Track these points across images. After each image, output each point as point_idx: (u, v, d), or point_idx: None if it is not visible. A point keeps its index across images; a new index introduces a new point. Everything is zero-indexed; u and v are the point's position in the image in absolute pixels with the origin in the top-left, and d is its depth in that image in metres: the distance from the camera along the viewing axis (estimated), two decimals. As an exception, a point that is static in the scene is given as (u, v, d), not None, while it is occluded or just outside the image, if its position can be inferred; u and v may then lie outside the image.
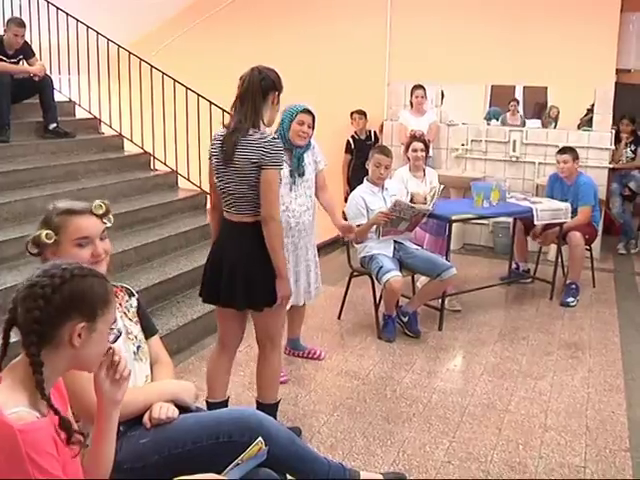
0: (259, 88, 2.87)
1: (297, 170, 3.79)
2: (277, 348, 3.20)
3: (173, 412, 2.10)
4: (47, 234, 2.01)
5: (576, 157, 5.74)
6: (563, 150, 5.83)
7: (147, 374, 2.21)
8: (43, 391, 1.55)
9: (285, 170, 3.63)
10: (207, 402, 3.23)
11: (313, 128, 3.80)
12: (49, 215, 2.08)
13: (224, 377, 3.25)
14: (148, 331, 2.31)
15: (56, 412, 1.57)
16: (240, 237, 2.93)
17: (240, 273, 2.90)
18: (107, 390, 1.74)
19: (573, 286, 5.61)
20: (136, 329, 2.23)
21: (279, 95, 2.99)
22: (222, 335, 3.24)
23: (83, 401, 1.86)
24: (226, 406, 3.17)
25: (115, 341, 1.76)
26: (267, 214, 2.83)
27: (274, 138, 2.86)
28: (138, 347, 2.19)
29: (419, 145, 5.47)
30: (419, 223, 4.79)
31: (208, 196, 6.27)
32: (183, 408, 2.17)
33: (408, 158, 5.59)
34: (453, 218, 4.88)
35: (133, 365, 2.12)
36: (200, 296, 3.15)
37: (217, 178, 2.96)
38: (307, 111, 3.75)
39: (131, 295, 2.30)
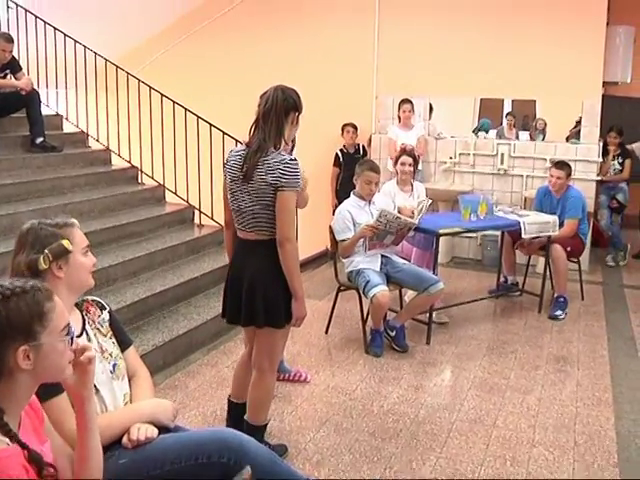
0: (282, 108, 2.88)
1: None
2: (274, 369, 3.19)
3: (152, 432, 2.07)
4: (64, 246, 2.02)
5: (569, 174, 5.76)
6: (560, 165, 5.80)
7: (126, 392, 2.18)
8: (5, 427, 1.50)
9: None
10: (229, 401, 3.38)
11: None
12: (42, 234, 2.05)
13: (250, 380, 3.24)
14: (123, 344, 2.28)
15: (23, 446, 1.52)
16: (257, 255, 2.93)
17: (259, 291, 2.91)
18: (75, 384, 1.71)
19: (561, 299, 5.61)
20: (111, 345, 2.20)
21: (299, 116, 3.00)
22: (248, 344, 3.28)
23: (63, 433, 1.83)
24: (244, 409, 3.21)
25: (72, 342, 1.71)
26: (283, 236, 2.83)
27: (292, 159, 2.85)
28: (114, 365, 2.15)
29: (408, 159, 5.47)
30: (405, 236, 4.77)
31: (196, 211, 6.31)
32: (163, 427, 2.13)
33: (397, 172, 5.58)
34: (440, 232, 4.87)
35: (111, 385, 2.09)
36: (223, 317, 3.16)
37: (232, 196, 2.96)
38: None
39: (102, 308, 2.27)
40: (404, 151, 5.71)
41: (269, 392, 3.21)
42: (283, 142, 2.92)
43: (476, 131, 7.90)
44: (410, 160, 5.47)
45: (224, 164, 3.03)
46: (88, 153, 6.42)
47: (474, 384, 4.22)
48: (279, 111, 2.88)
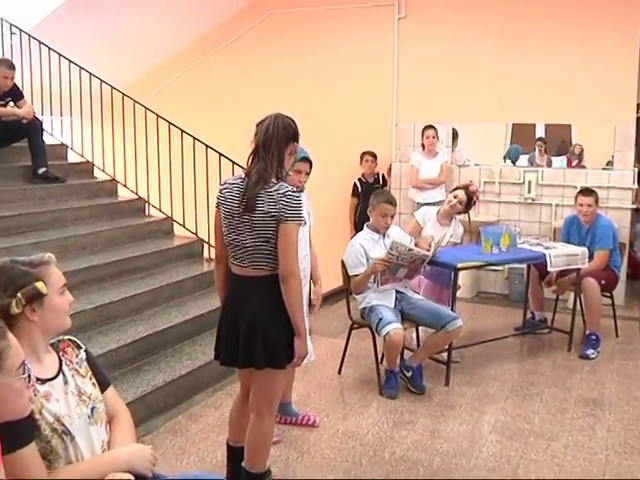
0: (283, 137, 2.90)
1: None
2: (273, 413, 3.16)
3: (128, 481, 2.03)
4: (38, 288, 2.00)
5: (597, 200, 5.73)
6: (587, 192, 5.76)
7: (104, 439, 2.15)
8: None
9: None
10: (228, 445, 3.35)
11: (308, 174, 3.78)
12: (15, 274, 2.03)
13: (247, 423, 3.21)
14: (103, 384, 2.26)
15: None
16: (256, 293, 2.93)
17: (259, 330, 2.89)
18: None
19: (593, 337, 5.51)
20: (90, 387, 2.18)
21: (296, 146, 3.02)
22: (244, 386, 3.26)
23: None
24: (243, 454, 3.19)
25: (30, 380, 1.68)
26: (286, 270, 2.82)
27: (294, 191, 2.86)
28: (92, 409, 2.13)
29: (462, 196, 5.26)
30: (418, 270, 4.73)
31: (205, 244, 6.32)
32: (140, 476, 2.10)
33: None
34: (459, 266, 4.82)
35: (88, 431, 2.07)
36: (216, 359, 3.15)
37: (227, 229, 2.95)
38: (305, 159, 3.73)
39: (79, 347, 2.26)
40: (465, 186, 5.44)
41: (268, 437, 3.17)
42: (284, 173, 2.93)
43: (507, 157, 7.87)
44: (465, 199, 5.26)
45: (218, 196, 3.02)
46: (93, 184, 6.48)
47: (495, 429, 4.14)
48: (280, 140, 2.89)
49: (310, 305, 4.01)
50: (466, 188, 5.37)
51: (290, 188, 2.85)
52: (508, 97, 7.15)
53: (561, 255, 5.35)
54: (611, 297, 5.90)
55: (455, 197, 5.32)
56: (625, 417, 4.32)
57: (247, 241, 2.88)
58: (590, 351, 5.42)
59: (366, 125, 7.75)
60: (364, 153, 7.62)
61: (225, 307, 3.09)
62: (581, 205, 5.71)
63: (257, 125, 2.96)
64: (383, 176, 7.71)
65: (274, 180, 2.85)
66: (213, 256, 6.17)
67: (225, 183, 3.03)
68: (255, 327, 2.90)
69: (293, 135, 2.96)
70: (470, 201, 5.33)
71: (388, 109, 7.71)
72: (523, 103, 7.12)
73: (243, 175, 2.95)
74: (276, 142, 2.88)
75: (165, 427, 4.10)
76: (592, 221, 5.71)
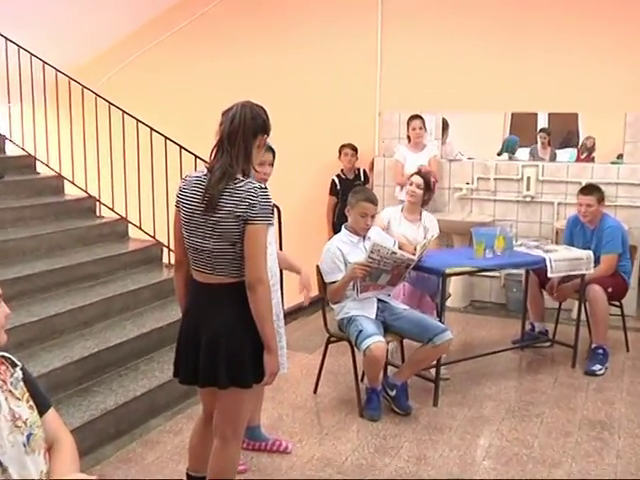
0: (251, 128, 2.89)
1: None
2: (239, 437, 3.16)
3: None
4: None
5: (602, 198, 5.72)
6: (588, 189, 5.78)
7: (43, 469, 2.12)
8: None
9: None
10: (188, 475, 3.34)
11: (272, 165, 3.78)
12: None
13: (210, 449, 3.20)
14: (41, 406, 2.23)
15: None
16: (219, 303, 2.92)
17: (222, 346, 2.89)
18: None
19: (600, 351, 5.55)
20: (26, 411, 2.15)
21: (266, 139, 3.01)
22: (206, 408, 3.25)
23: None
24: None
25: None
26: (254, 277, 2.82)
27: (263, 188, 2.85)
28: (29, 436, 2.10)
29: (419, 180, 5.38)
30: (402, 276, 4.74)
31: (164, 248, 6.30)
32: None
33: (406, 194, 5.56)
34: (447, 271, 4.84)
35: (23, 461, 2.04)
36: (175, 376, 3.14)
37: (188, 232, 2.94)
38: (269, 149, 3.72)
39: (14, 365, 2.23)
40: (419, 171, 5.62)
41: (233, 465, 3.17)
42: (252, 169, 2.92)
43: (503, 151, 7.90)
44: (421, 182, 5.40)
45: (177, 194, 3.01)
46: (36, 180, 6.45)
47: (489, 454, 4.15)
48: (247, 132, 2.88)
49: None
50: (418, 172, 5.53)
51: (258, 185, 2.85)
52: (506, 83, 7.19)
53: (563, 259, 5.37)
54: (620, 306, 5.93)
55: (411, 183, 5.41)
56: (637, 442, 4.33)
57: (210, 245, 2.87)
58: (597, 367, 5.45)
59: (345, 115, 7.76)
60: (343, 146, 7.62)
61: (185, 318, 3.09)
62: (580, 205, 5.74)
63: (222, 114, 2.95)
64: (364, 172, 7.73)
65: (240, 176, 2.85)
66: (173, 262, 6.22)
67: (185, 179, 3.02)
68: (219, 341, 2.89)
69: (262, 126, 2.95)
70: (429, 184, 5.43)
71: (370, 97, 7.73)
72: (523, 90, 7.15)
73: (205, 170, 2.94)
74: (243, 134, 2.87)
75: (117, 456, 4.07)
76: (597, 222, 5.75)
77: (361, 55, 7.72)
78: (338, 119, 7.77)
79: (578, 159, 7.55)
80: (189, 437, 3.44)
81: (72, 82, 6.41)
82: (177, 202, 3.00)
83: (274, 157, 3.79)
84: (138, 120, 6.29)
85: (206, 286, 2.96)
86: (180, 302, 3.22)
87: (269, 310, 2.90)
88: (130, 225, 6.48)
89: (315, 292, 4.97)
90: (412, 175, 5.53)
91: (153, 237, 6.35)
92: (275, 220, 3.89)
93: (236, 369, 2.91)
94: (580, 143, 7.61)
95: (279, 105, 7.41)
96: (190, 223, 2.93)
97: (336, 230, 7.05)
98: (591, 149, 7.54)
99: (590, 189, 5.78)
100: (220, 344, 2.89)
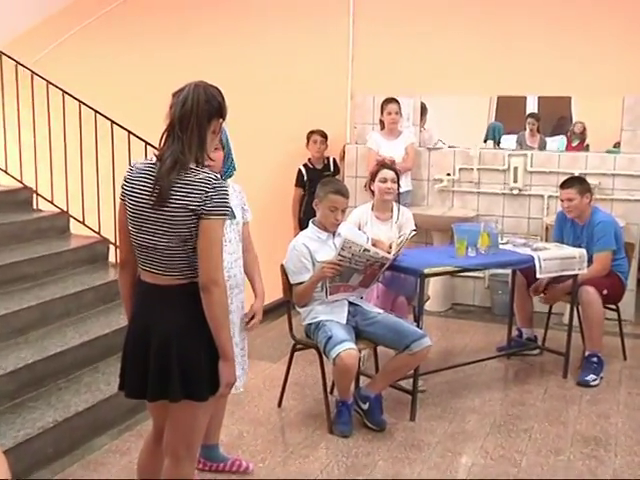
0: (205, 112, 2.86)
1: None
2: (193, 457, 3.14)
3: None
4: None
5: (585, 190, 5.73)
6: (568, 182, 5.81)
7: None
8: None
9: None
10: None
11: (224, 149, 3.74)
12: None
13: (161, 470, 3.17)
14: None
15: None
16: (171, 306, 2.90)
17: (174, 354, 2.87)
18: None
19: (594, 359, 5.58)
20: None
21: (222, 124, 2.98)
22: (157, 423, 3.22)
23: None
24: None
25: None
26: (208, 278, 2.79)
27: (218, 179, 2.83)
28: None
29: (389, 174, 5.46)
30: (376, 276, 4.74)
31: (111, 245, 6.27)
32: None
33: (372, 192, 5.57)
34: (426, 272, 4.84)
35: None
36: (121, 389, 3.11)
37: (135, 227, 2.91)
38: None
39: None
40: (383, 164, 5.68)
41: None
42: (206, 157, 2.90)
43: (486, 139, 7.93)
44: (393, 175, 5.46)
45: (123, 185, 2.97)
46: (-39, 170, 6.38)
47: (473, 473, 4.16)
48: (201, 116, 2.85)
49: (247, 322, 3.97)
50: (383, 165, 5.58)
51: (213, 175, 2.83)
52: (492, 63, 7.23)
53: (553, 258, 5.39)
54: (617, 310, 5.98)
55: (383, 181, 5.45)
56: (635, 460, 4.34)
57: (160, 242, 2.85)
58: (591, 377, 5.48)
59: (314, 98, 7.76)
60: (312, 132, 7.62)
61: (132, 324, 3.06)
62: (562, 200, 5.80)
63: (173, 95, 2.91)
64: (334, 161, 7.73)
65: (193, 166, 2.82)
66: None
67: (132, 168, 2.99)
68: (169, 348, 2.87)
69: (218, 110, 2.92)
70: (398, 175, 5.53)
71: (341, 78, 7.74)
72: (511, 71, 7.20)
73: (154, 159, 2.91)
74: (196, 118, 2.84)
75: (56, 480, 4.03)
76: (587, 217, 5.78)
77: (331, 33, 7.72)
78: (306, 103, 7.77)
79: (568, 148, 7.60)
80: (138, 457, 3.40)
81: (3, 57, 6.33)
82: (122, 194, 2.96)
83: (221, 140, 3.75)
84: (80, 102, 6.26)
85: (155, 287, 2.93)
86: (126, 306, 3.18)
87: (225, 314, 2.88)
88: (72, 219, 6.45)
89: (278, 296, 4.99)
90: (379, 170, 5.55)
91: (98, 233, 6.33)
92: (239, 216, 3.88)
93: (190, 379, 2.89)
94: (569, 130, 7.68)
95: (240, 88, 7.46)
96: (137, 218, 2.89)
97: (303, 226, 7.05)
98: (582, 136, 7.59)
99: (570, 181, 5.81)
100: (171, 352, 2.86)
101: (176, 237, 2.81)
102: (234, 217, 3.79)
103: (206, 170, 2.84)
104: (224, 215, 2.81)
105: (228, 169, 3.81)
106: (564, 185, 5.79)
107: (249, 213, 4.01)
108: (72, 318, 5.34)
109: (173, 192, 2.78)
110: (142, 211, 2.86)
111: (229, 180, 3.85)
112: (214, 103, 2.90)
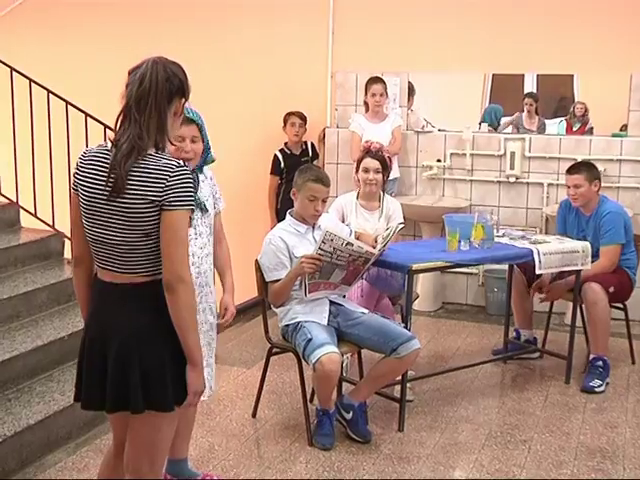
0: (165, 91, 2.83)
1: (198, 200, 3.72)
2: (157, 472, 3.12)
3: None
4: None
5: (594, 177, 5.75)
6: (575, 167, 5.83)
7: None
8: None
9: None
10: None
11: (203, 141, 3.73)
12: None
13: None
14: None
15: None
16: (131, 306, 2.89)
17: (135, 359, 2.85)
18: None
19: (599, 363, 5.60)
20: None
21: (184, 104, 2.96)
22: (118, 436, 3.21)
23: None
24: None
25: None
26: (173, 275, 2.78)
27: (181, 165, 2.82)
28: None
29: (374, 164, 5.47)
30: (360, 273, 4.74)
31: (66, 240, 6.23)
32: None
33: (358, 181, 5.57)
34: (414, 267, 4.84)
35: None
36: (76, 400, 3.10)
37: (88, 221, 2.89)
38: (186, 120, 3.67)
39: None
40: (368, 152, 5.67)
41: None
42: (167, 141, 2.89)
43: (481, 123, 7.95)
44: (377, 165, 5.46)
45: (74, 173, 2.95)
46: None
47: (466, 489, 4.18)
48: (160, 96, 2.82)
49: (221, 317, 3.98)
50: (368, 152, 5.57)
51: (175, 161, 2.81)
52: (486, 37, 7.24)
53: (554, 252, 5.40)
54: (624, 309, 6.01)
55: (367, 171, 5.48)
56: (645, 472, 4.41)
57: (117, 236, 2.83)
58: (596, 383, 5.50)
59: (291, 77, 7.77)
60: (290, 114, 7.61)
61: (88, 327, 3.05)
62: (568, 187, 5.81)
63: (129, 73, 2.89)
64: (313, 146, 7.75)
65: (152, 151, 2.81)
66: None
67: (84, 155, 2.96)
68: (130, 353, 2.85)
69: (179, 89, 2.89)
70: (385, 163, 5.52)
71: (321, 54, 7.74)
72: (507, 46, 7.21)
73: (109, 144, 2.88)
74: (155, 98, 2.81)
75: (4, 502, 4.03)
76: (594, 207, 5.80)
77: (310, 4, 7.70)
78: (282, 82, 7.78)
79: (568, 132, 7.62)
80: (97, 474, 3.39)
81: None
82: (74, 184, 2.94)
83: (201, 131, 3.74)
84: (31, 80, 6.23)
85: (113, 286, 2.92)
86: (82, 307, 3.18)
87: (192, 315, 2.87)
88: (22, 211, 6.42)
89: (253, 294, 4.98)
90: (362, 159, 5.56)
91: (52, 226, 6.31)
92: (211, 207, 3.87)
93: (153, 388, 2.87)
94: (569, 111, 7.69)
95: (210, 65, 7.44)
96: (91, 210, 2.87)
97: (280, 217, 7.05)
98: (583, 118, 7.60)
99: (577, 167, 5.84)
100: (132, 358, 2.85)
101: (135, 231, 2.79)
102: (207, 211, 3.78)
103: (167, 156, 2.82)
104: (188, 206, 2.80)
105: (205, 159, 3.82)
106: (571, 170, 5.80)
107: (221, 202, 4.01)
108: (22, 321, 5.33)
109: (130, 181, 2.75)
110: (96, 203, 2.83)
111: (207, 167, 3.87)
112: (175, 81, 2.86)
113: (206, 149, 3.76)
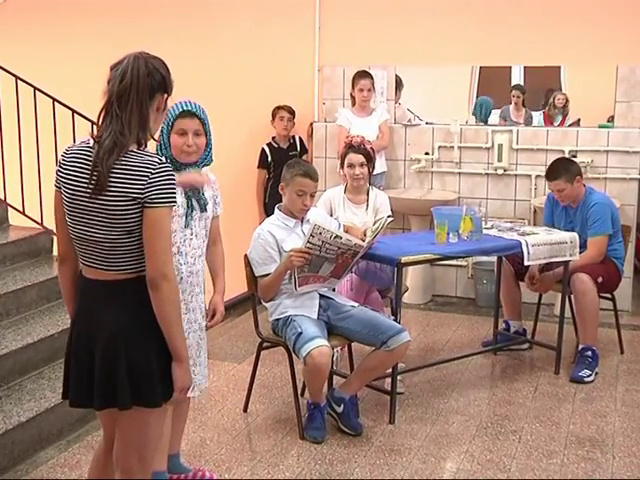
0: (146, 86, 2.82)
1: (197, 198, 3.74)
2: (147, 469, 3.12)
3: None
4: None
5: (574, 175, 5.73)
6: (552, 173, 5.79)
7: None
8: None
9: (180, 198, 3.59)
10: None
11: (206, 135, 3.72)
12: None
13: None
14: None
15: None
16: (116, 303, 2.89)
17: (122, 355, 2.86)
18: None
19: (588, 353, 5.62)
20: None
21: (167, 99, 2.96)
22: (108, 433, 3.21)
23: None
24: None
25: None
26: (156, 272, 2.79)
27: (163, 161, 2.82)
28: None
29: (358, 158, 5.44)
30: (349, 266, 4.74)
31: (55, 237, 6.19)
32: None
33: (345, 176, 5.57)
34: (403, 260, 4.84)
35: None
36: (65, 398, 3.10)
37: (71, 218, 2.89)
38: (189, 114, 3.67)
39: None
40: (350, 147, 5.66)
41: None
42: (149, 137, 2.89)
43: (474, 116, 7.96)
44: (362, 159, 5.44)
45: (57, 171, 2.94)
46: None
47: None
48: (141, 91, 2.82)
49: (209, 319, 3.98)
50: (352, 147, 5.50)
51: (157, 158, 2.82)
52: (473, 30, 7.24)
53: (543, 243, 5.42)
54: (612, 299, 6.01)
55: (352, 166, 5.44)
56: (634, 462, 4.38)
57: (100, 234, 2.83)
58: (585, 372, 5.52)
59: (278, 71, 7.77)
60: (278, 108, 7.61)
61: (75, 324, 3.04)
62: (552, 191, 5.86)
63: (111, 68, 2.88)
64: (301, 140, 7.75)
65: (134, 148, 2.81)
66: (59, 255, 6.16)
67: (67, 152, 2.96)
68: (117, 350, 2.86)
69: (161, 84, 2.89)
70: (369, 156, 5.49)
71: (308, 48, 7.73)
72: (494, 39, 7.21)
73: (91, 141, 2.88)
74: (136, 94, 2.80)
75: (-5, 499, 4.03)
76: (580, 199, 5.81)
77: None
78: (269, 76, 7.77)
79: (547, 124, 7.63)
80: (88, 471, 3.39)
81: None
82: (57, 181, 2.92)
83: (204, 125, 3.73)
84: (17, 77, 6.21)
85: (98, 283, 2.92)
86: (68, 304, 3.18)
87: (177, 311, 2.88)
88: (10, 209, 6.40)
89: (242, 289, 4.98)
90: (345, 155, 5.54)
91: (40, 224, 6.29)
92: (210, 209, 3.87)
93: (140, 384, 2.88)
94: (548, 103, 7.70)
95: (196, 60, 7.42)
96: (74, 208, 2.86)
97: (268, 212, 7.06)
98: (563, 109, 7.61)
99: (555, 171, 5.79)
100: (118, 354, 2.86)
101: (117, 228, 2.80)
102: (206, 211, 3.79)
103: (149, 152, 2.82)
104: (170, 203, 2.80)
105: (205, 158, 3.82)
106: (549, 177, 5.80)
107: (220, 207, 4.01)
108: (12, 318, 5.31)
109: (112, 178, 2.75)
110: (79, 200, 2.83)
111: (206, 168, 3.87)
112: (157, 76, 2.86)
113: (209, 145, 3.77)
